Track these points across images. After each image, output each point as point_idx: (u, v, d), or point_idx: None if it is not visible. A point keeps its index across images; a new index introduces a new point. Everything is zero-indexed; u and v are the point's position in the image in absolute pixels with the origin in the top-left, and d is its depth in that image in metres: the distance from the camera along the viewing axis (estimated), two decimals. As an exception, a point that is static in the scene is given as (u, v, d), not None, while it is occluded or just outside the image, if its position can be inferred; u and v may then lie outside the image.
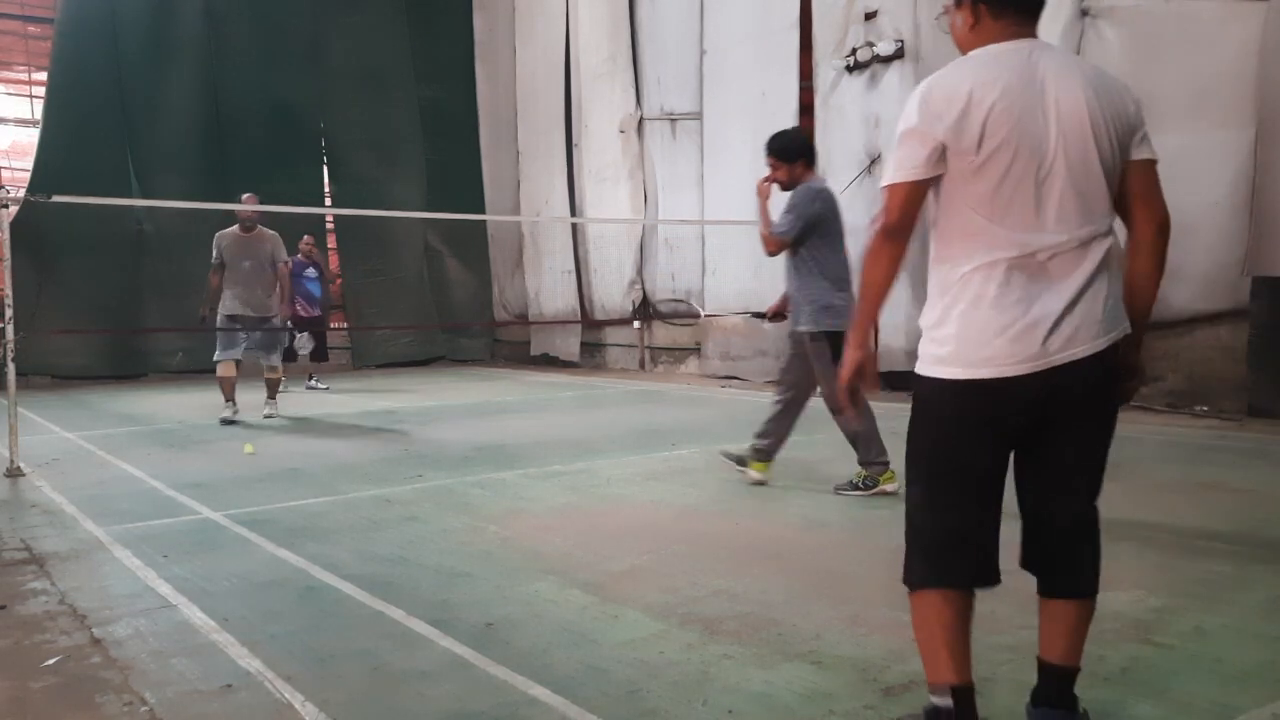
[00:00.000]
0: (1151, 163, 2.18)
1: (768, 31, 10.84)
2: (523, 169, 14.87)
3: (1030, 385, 2.08)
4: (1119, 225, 2.18)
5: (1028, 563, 2.30)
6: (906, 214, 2.19)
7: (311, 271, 11.21)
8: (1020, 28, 2.17)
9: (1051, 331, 2.07)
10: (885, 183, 2.20)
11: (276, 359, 8.66)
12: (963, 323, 2.13)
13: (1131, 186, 2.17)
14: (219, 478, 5.79)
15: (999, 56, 2.13)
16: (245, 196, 8.52)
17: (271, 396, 8.70)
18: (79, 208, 9.13)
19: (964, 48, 2.24)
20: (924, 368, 2.21)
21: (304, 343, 10.99)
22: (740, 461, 5.39)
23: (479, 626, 3.11)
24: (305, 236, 11.44)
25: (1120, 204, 2.18)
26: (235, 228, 8.42)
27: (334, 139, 14.82)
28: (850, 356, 2.28)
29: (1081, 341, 2.08)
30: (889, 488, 4.92)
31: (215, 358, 8.30)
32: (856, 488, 4.99)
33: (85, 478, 5.88)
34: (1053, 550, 2.25)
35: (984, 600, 3.12)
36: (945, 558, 2.20)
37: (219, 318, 8.28)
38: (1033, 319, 2.07)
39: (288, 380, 9.91)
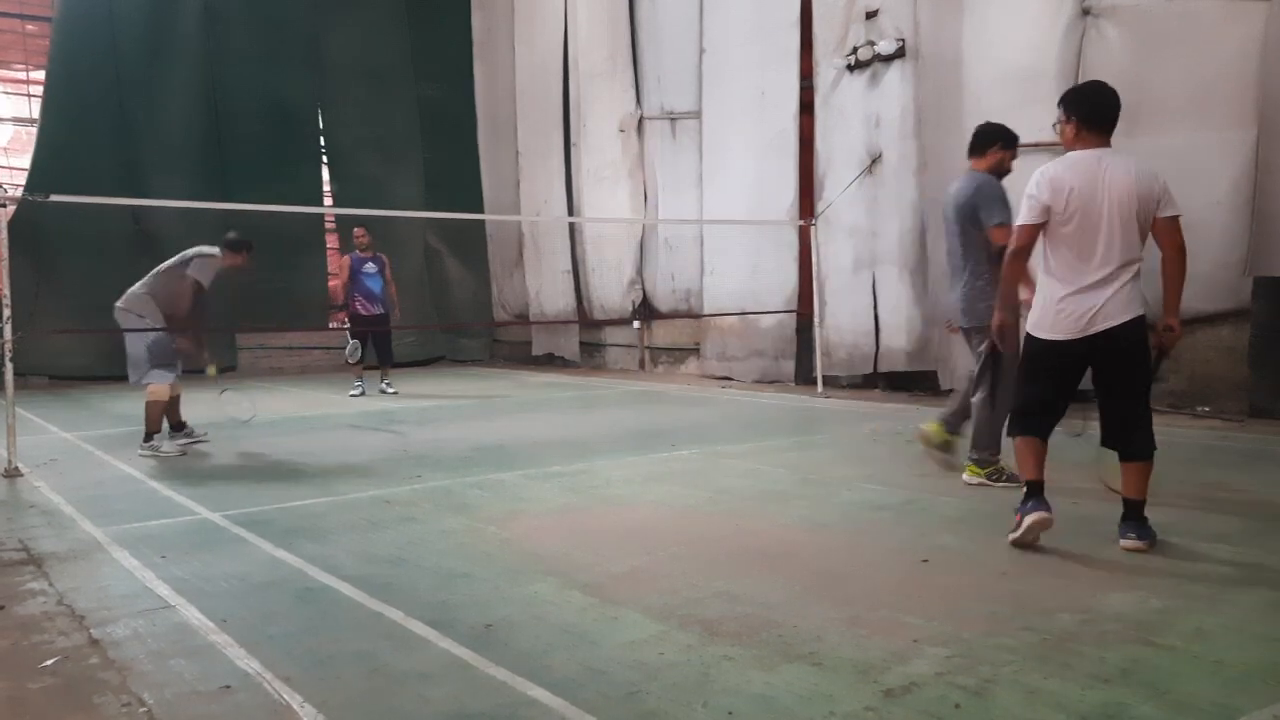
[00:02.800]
0: (1173, 218, 3.88)
1: (768, 30, 10.83)
2: (522, 168, 14.85)
3: (1080, 343, 3.83)
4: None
5: (1106, 440, 3.95)
6: (1030, 242, 3.96)
7: (371, 266, 10.64)
8: (1100, 139, 3.92)
9: (1094, 315, 3.81)
10: (1019, 223, 3.95)
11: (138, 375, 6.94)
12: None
13: (1159, 231, 3.87)
14: (217, 478, 5.78)
15: (1081, 161, 3.89)
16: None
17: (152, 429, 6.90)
18: (77, 207, 9.11)
19: (1068, 147, 3.97)
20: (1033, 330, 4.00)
21: (351, 351, 10.63)
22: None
23: (478, 627, 3.10)
24: (356, 229, 10.93)
25: (1156, 239, 3.89)
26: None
27: (334, 138, 14.81)
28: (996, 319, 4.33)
29: (1111, 318, 3.80)
30: (970, 480, 5.15)
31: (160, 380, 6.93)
32: (984, 482, 5.13)
33: (83, 478, 5.88)
34: (1115, 432, 3.92)
35: (985, 603, 3.13)
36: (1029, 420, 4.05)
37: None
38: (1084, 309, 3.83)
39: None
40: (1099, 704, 2.46)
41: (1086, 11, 7.98)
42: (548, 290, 14.48)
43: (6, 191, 6.14)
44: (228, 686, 2.67)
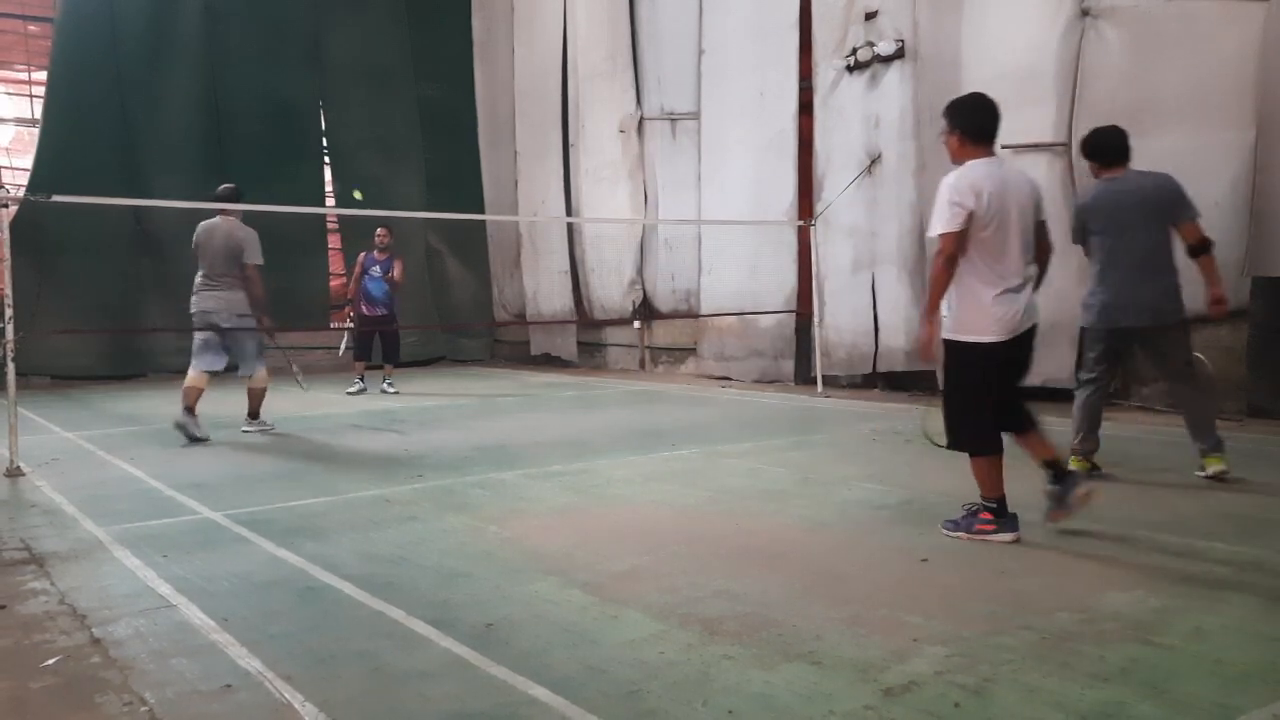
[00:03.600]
0: (1043, 222, 4.13)
1: (767, 31, 10.82)
2: (520, 168, 14.86)
3: (1011, 344, 4.00)
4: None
5: (1010, 426, 4.12)
6: (959, 248, 3.95)
7: (378, 269, 10.69)
8: (985, 149, 4.03)
9: (1021, 315, 4.00)
10: (937, 232, 3.95)
11: (249, 369, 7.75)
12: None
13: (1040, 234, 4.11)
14: (219, 478, 5.79)
15: (987, 167, 3.98)
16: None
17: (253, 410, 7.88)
18: (79, 207, 9.11)
19: (954, 159, 4.09)
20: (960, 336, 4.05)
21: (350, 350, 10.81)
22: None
23: (479, 626, 3.11)
24: (379, 230, 10.86)
25: (1037, 242, 4.10)
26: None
27: (335, 138, 14.82)
28: None
29: (1032, 317, 4.04)
30: (1210, 469, 5.11)
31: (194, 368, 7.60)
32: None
33: (85, 478, 5.88)
34: (1018, 414, 4.14)
35: (984, 602, 3.15)
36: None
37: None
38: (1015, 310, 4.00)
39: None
40: (1098, 703, 2.47)
41: (1085, 12, 7.98)
42: (544, 290, 14.48)
43: (9, 192, 6.15)
44: (229, 685, 2.68)
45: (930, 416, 4.40)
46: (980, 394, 4.03)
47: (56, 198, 6.49)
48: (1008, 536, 3.99)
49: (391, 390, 10.71)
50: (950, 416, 4.15)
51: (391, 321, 10.91)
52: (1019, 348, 4.01)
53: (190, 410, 7.29)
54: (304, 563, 3.89)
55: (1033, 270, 4.09)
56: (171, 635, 3.08)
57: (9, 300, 6.11)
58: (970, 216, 3.86)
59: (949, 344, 4.03)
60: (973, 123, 4.02)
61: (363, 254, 10.96)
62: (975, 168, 3.95)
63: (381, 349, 10.91)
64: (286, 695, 2.59)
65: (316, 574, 3.73)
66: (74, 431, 7.90)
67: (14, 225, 6.35)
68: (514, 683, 2.66)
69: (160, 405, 9.87)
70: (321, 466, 6.15)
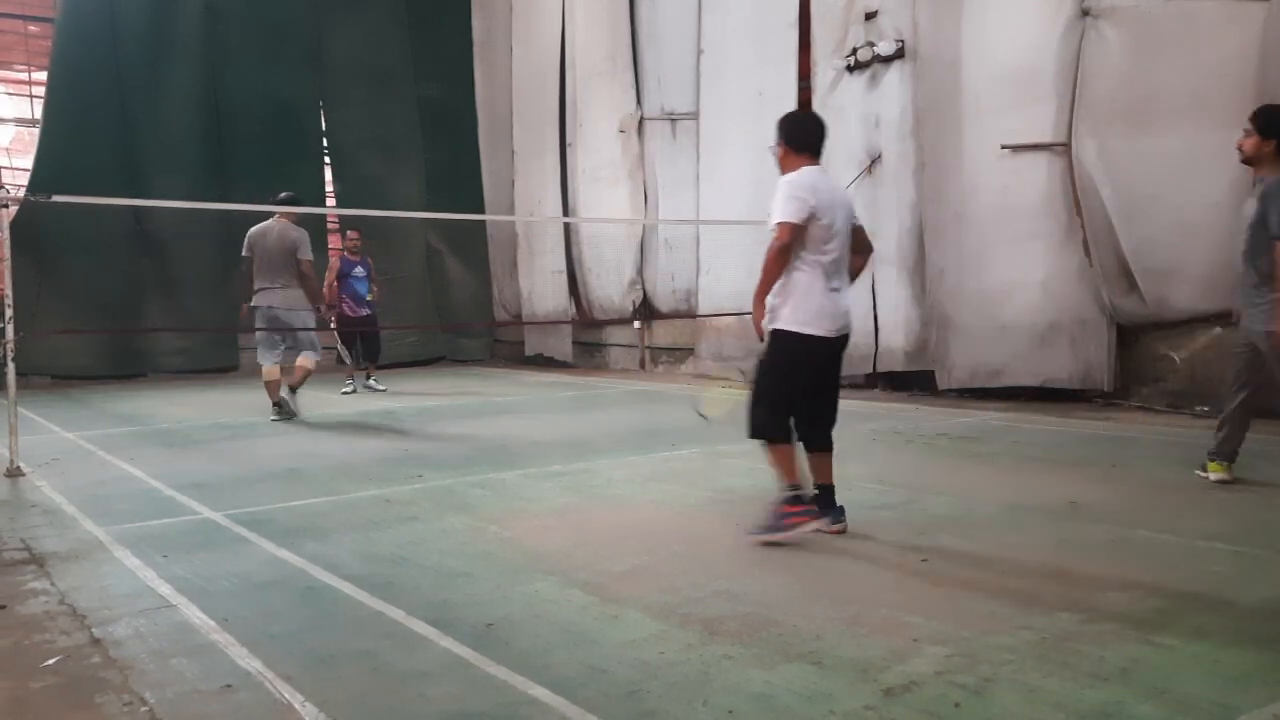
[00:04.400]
0: (860, 226, 4.29)
1: (766, 30, 10.83)
2: (517, 168, 14.86)
3: (835, 341, 4.15)
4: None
5: (802, 431, 4.23)
6: (795, 240, 4.04)
7: (360, 270, 10.81)
8: (809, 159, 4.18)
9: (845, 316, 4.16)
10: (778, 220, 4.00)
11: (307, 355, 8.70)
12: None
13: (859, 236, 4.29)
14: (219, 478, 5.79)
15: (817, 172, 4.15)
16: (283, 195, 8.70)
17: (295, 387, 8.74)
18: (79, 207, 9.11)
19: (782, 169, 4.19)
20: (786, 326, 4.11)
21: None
22: (1203, 467, 5.21)
23: (479, 626, 3.11)
24: (350, 232, 11.07)
25: (856, 246, 4.29)
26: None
27: (336, 138, 14.82)
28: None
29: (850, 322, 4.21)
30: (1212, 475, 5.04)
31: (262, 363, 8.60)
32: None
33: (85, 478, 5.88)
34: (816, 427, 4.27)
35: (984, 601, 3.14)
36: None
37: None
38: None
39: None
40: (1098, 703, 2.47)
41: (1086, 12, 7.99)
42: (539, 291, 14.48)
43: (9, 192, 6.15)
44: (229, 685, 2.68)
45: (705, 393, 4.44)
46: (788, 384, 4.14)
47: (56, 198, 6.49)
48: (817, 523, 4.07)
49: (380, 388, 10.85)
50: (753, 403, 4.19)
51: (373, 322, 11.03)
52: (833, 354, 4.15)
53: (276, 401, 8.38)
54: (304, 563, 3.89)
55: (847, 280, 4.23)
56: (171, 635, 3.08)
57: (9, 300, 6.11)
58: (813, 211, 4.00)
59: (775, 333, 4.10)
60: (796, 137, 4.22)
61: (337, 258, 11.03)
62: (807, 173, 4.11)
63: (362, 349, 11.01)
64: (286, 695, 2.59)
65: (316, 574, 3.73)
66: (74, 431, 7.90)
67: (14, 225, 6.34)
68: (514, 683, 2.66)
69: (160, 405, 9.87)
70: (321, 466, 6.15)
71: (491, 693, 2.60)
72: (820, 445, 4.26)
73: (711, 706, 2.49)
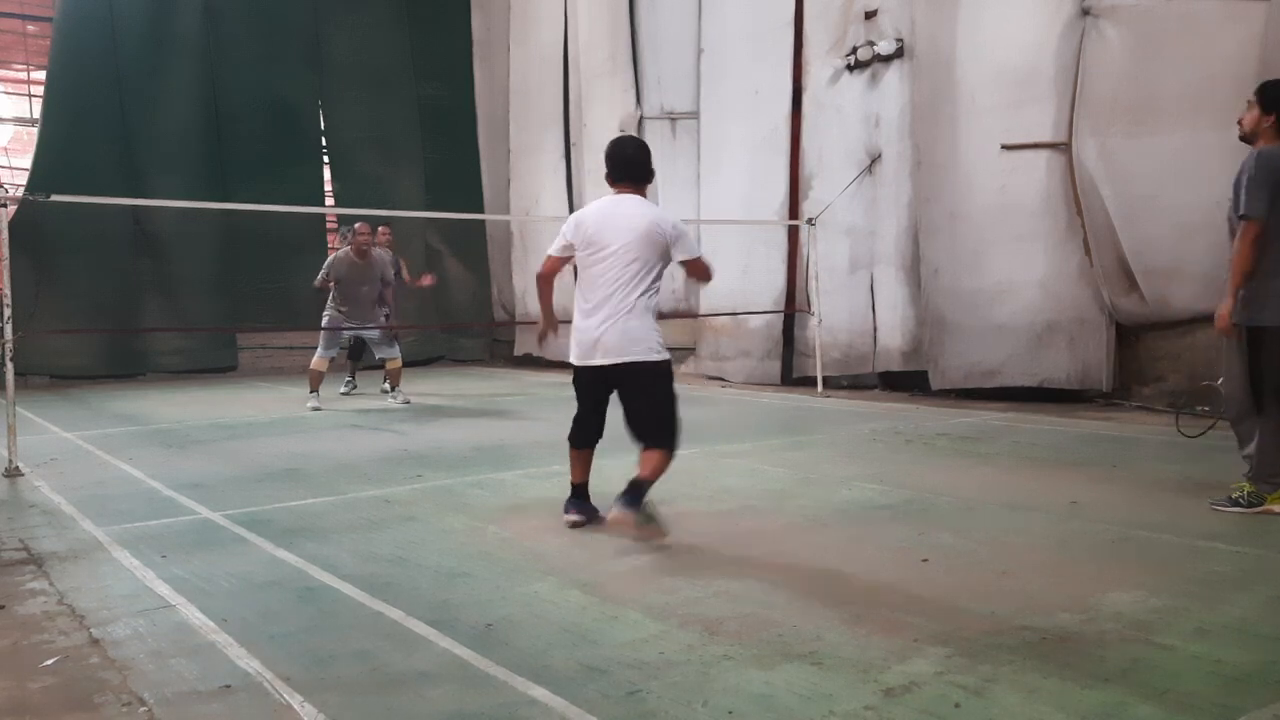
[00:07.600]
0: (692, 259, 4.53)
1: (763, 30, 10.82)
2: (512, 168, 14.85)
3: (589, 371, 4.44)
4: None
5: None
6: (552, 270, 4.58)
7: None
8: (621, 187, 4.40)
9: (594, 345, 4.37)
10: (548, 252, 4.51)
11: (391, 351, 9.69)
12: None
13: (687, 269, 4.61)
14: (218, 478, 5.78)
15: (601, 204, 4.39)
16: (358, 225, 9.29)
17: (396, 384, 9.73)
18: (78, 207, 9.11)
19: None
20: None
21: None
22: (1251, 501, 4.43)
23: (479, 627, 3.10)
24: (380, 227, 10.73)
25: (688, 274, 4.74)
26: (349, 251, 9.26)
27: (335, 137, 14.81)
28: None
29: (610, 355, 4.37)
30: (1276, 508, 4.34)
31: (318, 354, 9.42)
32: (1237, 504, 4.41)
33: (84, 478, 5.87)
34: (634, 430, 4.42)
35: (984, 602, 3.14)
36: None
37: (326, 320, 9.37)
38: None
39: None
40: (1098, 703, 2.46)
41: (1086, 11, 7.98)
42: (534, 290, 14.44)
43: (8, 191, 6.14)
44: (228, 686, 2.67)
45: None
46: (579, 397, 4.56)
47: (55, 197, 6.48)
48: (569, 516, 4.47)
49: (398, 398, 10.80)
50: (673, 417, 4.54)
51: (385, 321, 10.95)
52: (602, 377, 4.37)
53: (314, 390, 9.20)
54: (303, 563, 3.88)
55: (631, 303, 4.28)
56: (170, 636, 3.08)
57: (8, 300, 6.10)
58: (570, 246, 4.36)
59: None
60: (608, 166, 4.45)
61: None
62: (592, 204, 4.43)
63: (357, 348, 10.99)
64: (285, 696, 2.59)
65: (316, 574, 3.73)
66: (73, 431, 7.89)
67: (13, 225, 6.33)
68: (513, 683, 2.65)
69: (159, 405, 9.86)
70: (321, 466, 6.14)
71: (491, 693, 2.60)
72: (646, 445, 4.39)
73: (711, 707, 2.49)
